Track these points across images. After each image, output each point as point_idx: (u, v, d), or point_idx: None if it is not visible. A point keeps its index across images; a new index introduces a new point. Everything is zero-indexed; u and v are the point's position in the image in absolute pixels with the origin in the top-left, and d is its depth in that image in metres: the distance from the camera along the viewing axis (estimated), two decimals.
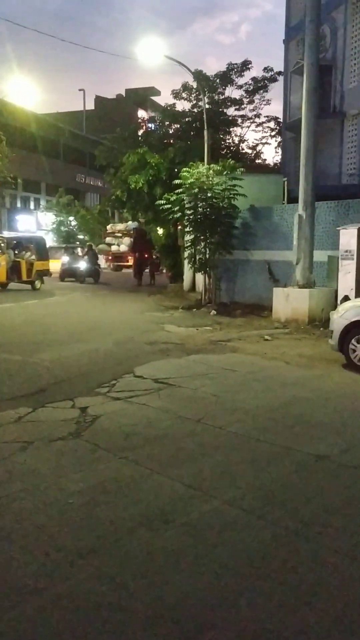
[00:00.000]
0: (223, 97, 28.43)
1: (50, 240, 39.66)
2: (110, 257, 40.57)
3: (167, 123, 27.34)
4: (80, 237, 43.48)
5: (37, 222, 46.16)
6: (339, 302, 10.55)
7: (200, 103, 25.27)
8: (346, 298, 10.52)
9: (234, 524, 3.42)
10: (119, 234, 41.33)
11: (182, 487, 3.90)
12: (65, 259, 27.55)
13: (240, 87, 28.45)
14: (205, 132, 18.79)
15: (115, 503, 3.66)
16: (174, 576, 2.87)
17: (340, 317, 8.12)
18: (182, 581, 2.83)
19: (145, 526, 3.36)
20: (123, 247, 38.89)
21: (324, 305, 12.04)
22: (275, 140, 30.64)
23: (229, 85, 28.23)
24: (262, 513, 3.56)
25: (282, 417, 5.63)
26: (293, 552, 3.11)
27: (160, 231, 24.46)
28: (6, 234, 28.46)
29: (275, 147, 31.28)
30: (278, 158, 29.93)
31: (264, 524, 3.43)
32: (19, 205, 47.32)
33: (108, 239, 41.66)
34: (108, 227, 43.57)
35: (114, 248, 40.66)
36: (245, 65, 27.77)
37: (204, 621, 2.54)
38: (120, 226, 41.65)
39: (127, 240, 38.24)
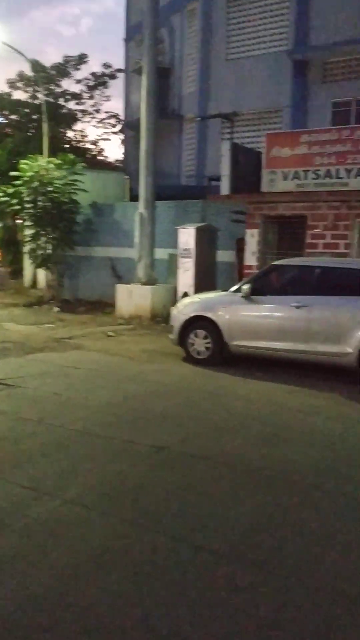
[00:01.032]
0: (61, 90, 27.95)
1: None
2: None
3: (5, 113, 26.19)
4: None
5: None
6: (178, 298, 10.97)
7: (38, 94, 24.59)
8: (185, 294, 10.98)
9: (75, 521, 3.40)
10: None
11: (21, 490, 3.79)
12: None
13: (79, 81, 28.20)
14: (45, 125, 18.32)
15: None
16: (11, 581, 2.78)
17: (180, 313, 8.46)
18: (18, 585, 2.75)
19: None
20: None
21: (166, 301, 12.43)
22: (118, 137, 30.89)
23: (66, 78, 27.82)
24: (104, 508, 3.59)
25: (125, 412, 5.72)
26: (133, 543, 3.18)
27: None
28: None
29: (119, 145, 31.56)
30: (121, 155, 30.21)
31: (105, 518, 3.47)
32: None
33: None
34: None
35: None
36: (82, 59, 27.57)
37: (42, 622, 2.49)
38: None
39: None
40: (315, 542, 3.26)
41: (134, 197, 15.24)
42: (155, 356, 8.68)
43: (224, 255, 12.52)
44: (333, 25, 15.83)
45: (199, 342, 8.16)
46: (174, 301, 11.60)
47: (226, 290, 8.59)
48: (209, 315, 8.09)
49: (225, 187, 10.94)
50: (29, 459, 4.35)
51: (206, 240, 11.96)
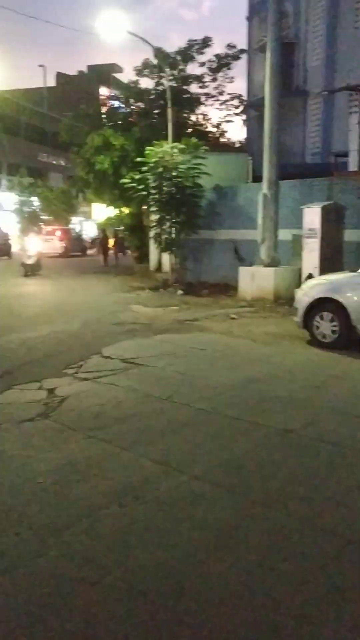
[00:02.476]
0: (185, 74, 28.11)
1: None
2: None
3: (131, 101, 26.97)
4: (44, 217, 42.73)
5: None
6: (303, 280, 10.71)
7: (163, 80, 24.98)
8: (310, 276, 10.68)
9: (203, 497, 3.50)
10: None
11: (151, 464, 3.96)
12: None
13: (202, 64, 28.17)
14: (169, 111, 18.61)
15: (86, 481, 3.70)
16: (145, 550, 2.93)
17: (305, 295, 8.27)
18: (153, 555, 2.89)
19: (115, 503, 3.41)
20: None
21: (289, 283, 12.19)
22: (241, 119, 30.58)
23: (190, 62, 27.90)
24: (230, 486, 3.65)
25: (249, 394, 5.73)
26: (260, 522, 3.21)
27: (126, 211, 24.23)
28: None
29: (241, 126, 31.25)
30: (244, 136, 29.92)
31: (232, 496, 3.52)
32: None
33: None
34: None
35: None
36: (206, 42, 27.46)
37: (174, 591, 2.61)
38: None
39: None
40: None
41: (257, 178, 15.07)
42: (279, 339, 8.58)
43: (351, 235, 11.99)
44: None
45: (325, 325, 7.92)
46: (297, 283, 11.35)
47: (354, 270, 8.24)
48: (336, 297, 7.81)
49: (354, 163, 10.44)
50: (158, 435, 4.52)
51: (332, 219, 11.52)
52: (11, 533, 3.08)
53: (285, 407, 5.29)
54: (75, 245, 35.41)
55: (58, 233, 34.03)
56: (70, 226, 43.19)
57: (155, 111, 25.15)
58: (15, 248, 29.93)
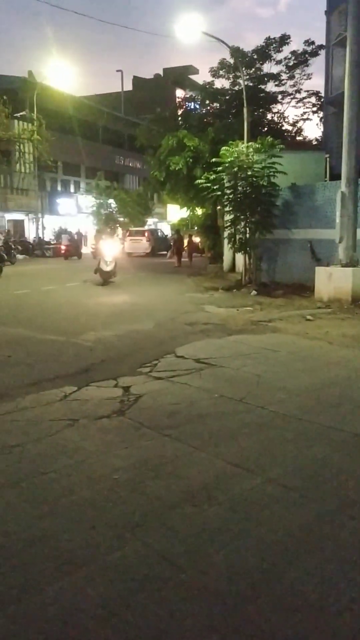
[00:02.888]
0: (262, 73, 27.87)
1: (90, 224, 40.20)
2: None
3: (207, 102, 27.07)
4: (120, 219, 43.70)
5: (77, 205, 46.62)
6: None
7: (239, 80, 24.88)
8: None
9: (277, 501, 3.44)
10: None
11: (224, 465, 3.94)
12: None
13: (279, 62, 27.83)
14: (245, 110, 18.49)
15: (160, 479, 3.73)
16: (219, 551, 2.91)
17: None
18: (226, 556, 2.87)
19: (189, 502, 3.41)
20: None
21: None
22: (318, 116, 29.95)
23: (267, 61, 27.63)
24: (305, 491, 3.57)
25: (325, 397, 5.59)
26: (336, 530, 3.11)
27: (199, 211, 24.38)
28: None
29: (317, 124, 30.61)
30: (320, 134, 29.28)
31: (307, 501, 3.44)
32: (59, 188, 47.84)
33: None
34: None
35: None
36: (284, 40, 27.12)
37: (247, 594, 2.58)
38: None
39: None
40: None
41: (335, 176, 14.70)
42: (357, 341, 8.31)
43: None
44: None
45: None
46: None
47: None
48: None
49: None
50: (232, 437, 4.50)
51: None
52: (88, 526, 3.16)
53: None
54: (161, 245, 36.91)
55: (146, 234, 36.36)
56: (155, 228, 44.51)
57: (231, 111, 25.11)
58: (89, 250, 30.97)
